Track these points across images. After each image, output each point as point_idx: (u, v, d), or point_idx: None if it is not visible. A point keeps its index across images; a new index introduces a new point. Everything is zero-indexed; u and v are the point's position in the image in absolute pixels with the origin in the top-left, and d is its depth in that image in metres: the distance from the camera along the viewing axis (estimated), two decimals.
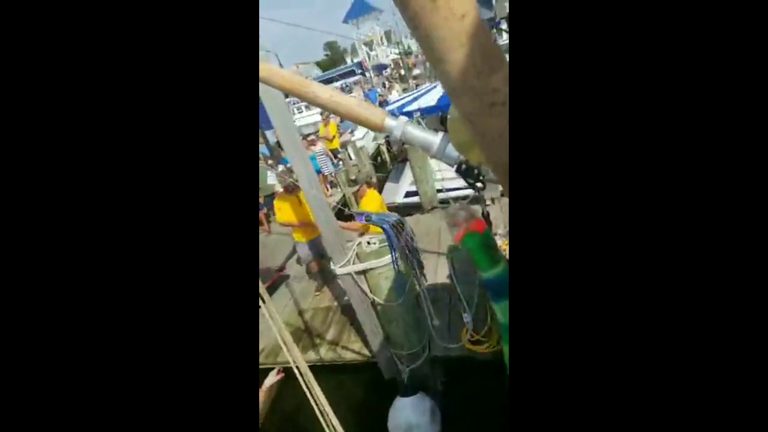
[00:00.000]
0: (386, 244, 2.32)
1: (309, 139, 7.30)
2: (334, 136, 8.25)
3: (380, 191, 5.54)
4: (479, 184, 0.65)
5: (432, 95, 5.75)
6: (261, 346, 3.49)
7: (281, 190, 3.63)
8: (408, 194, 5.80)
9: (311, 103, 0.66)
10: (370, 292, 2.49)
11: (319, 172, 6.30)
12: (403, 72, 17.28)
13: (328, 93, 0.63)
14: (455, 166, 0.64)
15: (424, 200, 5.29)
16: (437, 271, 3.56)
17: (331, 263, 2.49)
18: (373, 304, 2.57)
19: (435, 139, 0.62)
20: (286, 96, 2.46)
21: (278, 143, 7.46)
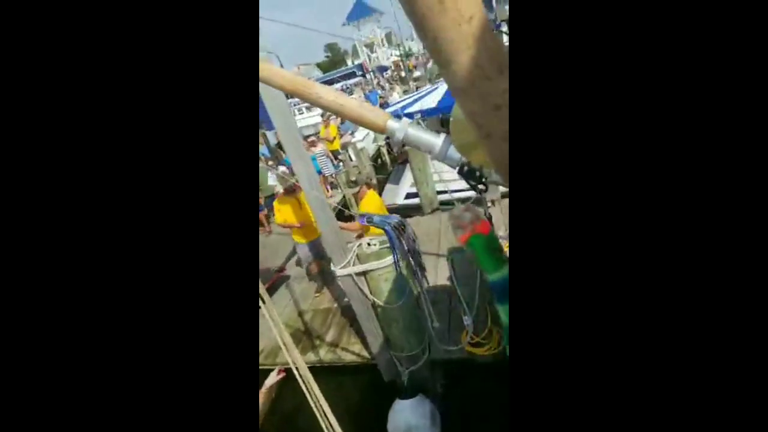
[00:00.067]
0: (387, 245, 2.32)
1: (309, 140, 7.30)
2: (334, 138, 8.26)
3: (380, 193, 5.54)
4: (481, 186, 0.65)
5: (432, 97, 5.76)
6: (261, 346, 3.49)
7: (281, 191, 3.63)
8: (408, 196, 5.80)
9: (315, 104, 0.66)
10: (371, 293, 2.48)
11: (319, 173, 6.31)
12: (403, 74, 17.31)
13: (332, 95, 0.64)
14: (457, 168, 0.64)
15: (424, 202, 5.29)
16: (437, 273, 3.55)
17: (332, 264, 2.49)
18: (374, 305, 2.56)
19: (437, 141, 0.62)
20: (288, 97, 2.47)
21: (279, 144, 7.48)
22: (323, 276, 4.03)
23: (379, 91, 14.99)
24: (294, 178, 2.93)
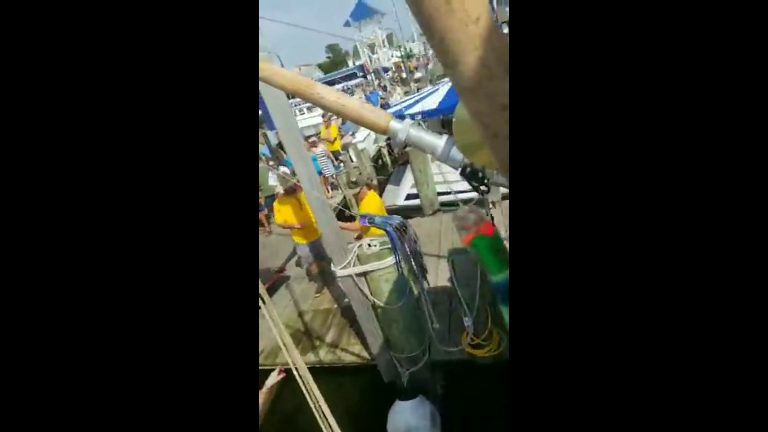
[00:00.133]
0: (387, 246, 2.32)
1: (310, 140, 7.31)
2: (335, 138, 8.26)
3: (381, 194, 5.54)
4: (483, 188, 0.64)
5: (433, 98, 5.76)
6: (261, 347, 3.49)
7: (282, 191, 3.63)
8: (409, 197, 5.80)
9: (317, 104, 0.66)
10: (371, 294, 2.48)
11: (320, 173, 6.31)
12: (404, 75, 17.34)
13: (334, 95, 0.63)
14: (459, 169, 0.64)
15: (424, 203, 5.29)
16: (438, 274, 3.55)
17: (332, 265, 2.48)
18: (374, 306, 2.56)
19: (440, 142, 0.62)
20: (290, 97, 2.47)
21: (280, 144, 7.48)
22: (323, 276, 4.03)
23: (380, 93, 15.01)
24: (295, 178, 2.93)
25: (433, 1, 0.26)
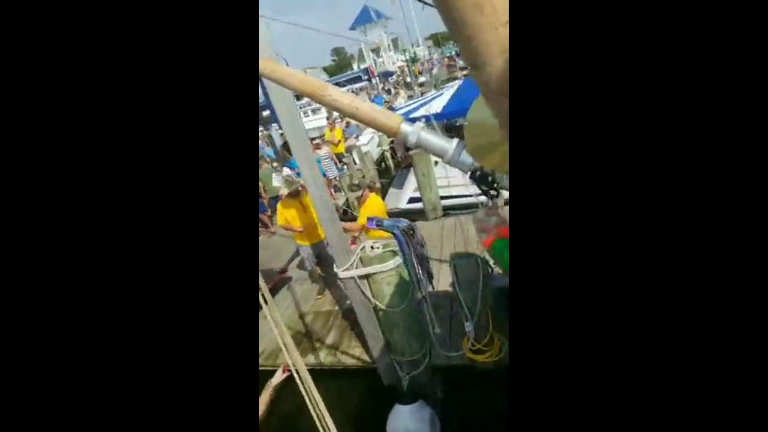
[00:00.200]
0: (390, 249, 2.32)
1: (314, 143, 7.33)
2: (339, 141, 8.29)
3: (384, 197, 5.54)
4: (493, 192, 0.65)
5: (437, 102, 5.78)
6: (261, 348, 3.48)
7: (286, 192, 3.63)
8: (411, 200, 5.80)
9: (329, 106, 0.67)
10: (373, 296, 2.48)
11: (323, 175, 6.32)
12: (408, 79, 17.38)
13: (347, 98, 0.64)
14: (469, 173, 0.64)
15: (427, 207, 5.29)
16: (439, 279, 3.54)
17: (335, 266, 2.48)
18: (375, 309, 2.56)
19: (450, 145, 0.62)
20: (298, 98, 2.48)
21: (284, 145, 7.50)
22: (325, 278, 4.03)
23: (385, 96, 15.05)
24: (300, 179, 2.94)
25: (463, 3, 0.27)
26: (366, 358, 3.16)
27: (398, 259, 2.28)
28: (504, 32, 0.29)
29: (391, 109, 10.22)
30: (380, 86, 18.69)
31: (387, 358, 2.80)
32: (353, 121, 8.20)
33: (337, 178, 7.16)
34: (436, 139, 0.63)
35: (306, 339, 3.63)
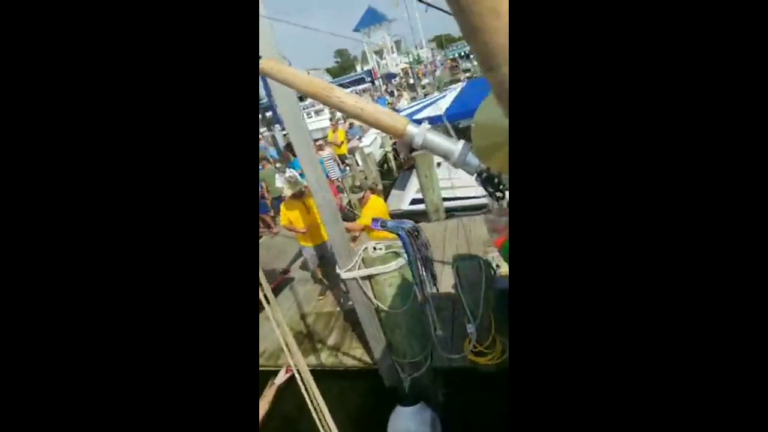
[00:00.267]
0: (393, 250, 2.32)
1: (317, 144, 7.35)
2: (342, 142, 8.31)
3: (386, 198, 5.55)
4: (499, 194, 0.65)
5: (440, 105, 5.78)
6: (263, 348, 3.49)
7: (289, 193, 3.64)
8: (413, 202, 5.81)
9: (335, 107, 0.67)
10: (375, 298, 2.48)
11: (326, 176, 6.33)
12: (411, 81, 17.42)
13: (353, 99, 0.64)
14: (475, 175, 0.64)
15: (429, 208, 5.29)
16: (441, 280, 3.53)
17: (337, 267, 2.49)
18: (377, 310, 2.56)
19: (456, 147, 0.63)
20: (302, 99, 2.49)
21: (287, 146, 7.51)
22: (327, 279, 4.03)
23: (387, 98, 15.07)
24: (304, 180, 2.94)
25: (481, 7, 0.27)
26: (367, 359, 3.16)
27: (401, 261, 2.28)
28: None
29: (395, 110, 10.25)
30: (383, 88, 18.73)
31: (388, 360, 2.80)
32: (356, 123, 8.23)
33: (340, 179, 7.18)
34: (442, 141, 0.63)
35: (307, 340, 3.63)
